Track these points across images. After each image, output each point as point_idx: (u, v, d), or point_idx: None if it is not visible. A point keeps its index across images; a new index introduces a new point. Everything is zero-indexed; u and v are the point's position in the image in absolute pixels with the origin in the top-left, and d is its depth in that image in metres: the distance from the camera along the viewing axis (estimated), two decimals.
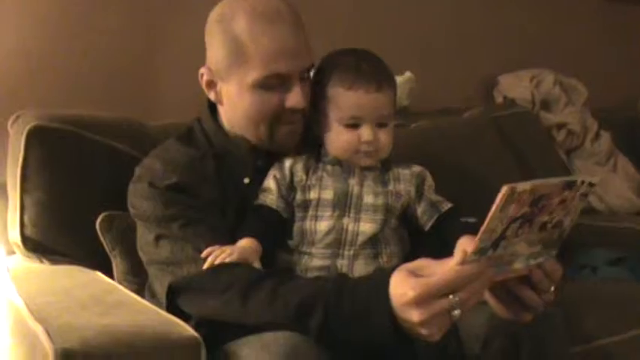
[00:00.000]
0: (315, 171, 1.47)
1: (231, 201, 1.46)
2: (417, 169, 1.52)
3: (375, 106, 1.43)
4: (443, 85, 2.84)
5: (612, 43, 3.46)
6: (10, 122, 1.80)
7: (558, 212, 1.15)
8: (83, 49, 2.19)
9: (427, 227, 1.48)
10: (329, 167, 1.47)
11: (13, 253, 1.80)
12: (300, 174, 1.46)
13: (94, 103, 2.09)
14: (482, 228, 1.08)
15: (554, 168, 2.77)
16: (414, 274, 1.15)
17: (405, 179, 1.49)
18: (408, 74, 2.62)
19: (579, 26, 3.39)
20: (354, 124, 1.43)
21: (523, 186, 1.06)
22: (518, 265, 1.19)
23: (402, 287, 1.13)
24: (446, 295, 1.11)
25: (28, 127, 1.72)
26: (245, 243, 1.36)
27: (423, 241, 1.50)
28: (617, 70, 3.42)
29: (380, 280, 1.18)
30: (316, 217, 1.43)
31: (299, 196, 1.45)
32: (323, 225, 1.42)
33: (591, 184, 1.16)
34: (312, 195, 1.44)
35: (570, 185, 1.13)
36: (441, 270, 1.13)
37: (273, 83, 1.45)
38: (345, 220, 1.42)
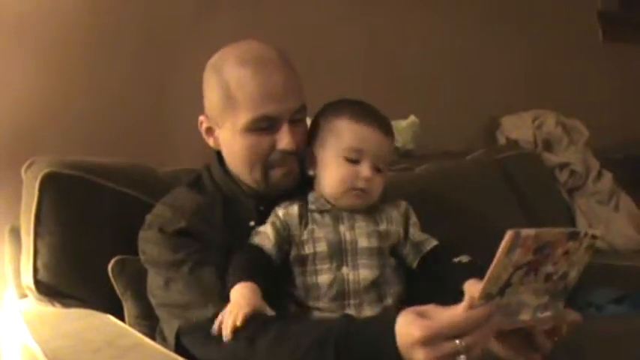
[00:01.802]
0: (306, 222, 1.46)
1: (238, 243, 1.47)
2: (402, 206, 1.53)
3: (380, 144, 1.45)
4: (446, 128, 2.87)
5: (612, 84, 3.49)
6: (23, 168, 1.82)
7: (562, 263, 1.16)
8: (95, 97, 2.23)
9: (414, 266, 1.49)
10: (317, 216, 1.46)
11: (26, 296, 1.81)
12: (294, 227, 1.46)
13: (106, 149, 2.13)
14: (489, 273, 1.10)
15: (557, 208, 2.80)
16: (422, 315, 1.16)
17: (396, 221, 1.50)
18: (412, 118, 2.65)
19: (580, 67, 3.43)
20: (354, 160, 1.44)
21: (527, 231, 1.08)
22: (526, 317, 1.20)
23: (408, 328, 1.14)
24: (452, 338, 1.11)
25: (41, 174, 1.75)
26: (244, 290, 1.32)
27: (417, 277, 1.51)
28: (618, 109, 3.45)
29: (387, 320, 1.19)
30: (316, 272, 1.43)
31: (294, 252, 1.45)
32: (324, 278, 1.42)
33: (594, 237, 1.18)
34: (307, 250, 1.44)
35: (574, 236, 1.15)
36: (448, 314, 1.13)
37: (263, 126, 1.47)
38: (345, 270, 1.42)
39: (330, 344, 1.22)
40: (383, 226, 1.47)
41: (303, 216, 1.46)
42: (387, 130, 1.47)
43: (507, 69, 3.23)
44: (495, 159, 2.74)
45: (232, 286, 1.33)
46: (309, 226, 1.45)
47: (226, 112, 1.49)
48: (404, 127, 2.61)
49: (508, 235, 1.07)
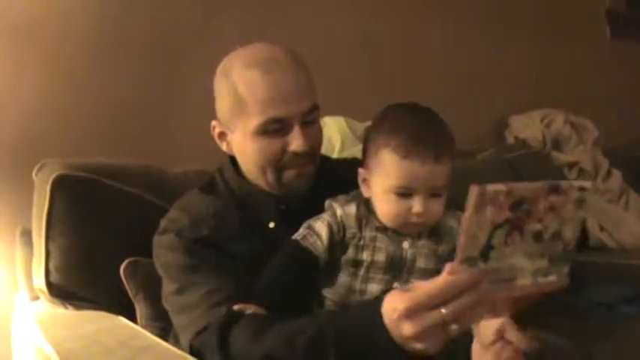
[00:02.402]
0: (368, 225, 1.38)
1: (259, 247, 1.45)
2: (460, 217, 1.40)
3: (430, 176, 1.31)
4: (455, 128, 2.81)
5: (621, 83, 3.49)
6: (34, 171, 1.83)
7: (550, 220, 1.10)
8: (105, 98, 2.23)
9: None
10: (380, 224, 1.37)
11: (38, 298, 1.82)
12: (352, 230, 1.38)
13: (116, 151, 2.14)
14: (462, 233, 1.05)
15: None
16: (407, 290, 1.13)
17: (453, 235, 1.38)
18: None
19: (588, 66, 3.43)
20: (405, 194, 1.32)
21: (496, 187, 1.02)
22: (524, 282, 1.13)
23: (392, 302, 1.12)
24: (437, 307, 1.08)
25: (52, 176, 1.76)
26: None
27: None
28: (626, 108, 3.45)
29: (374, 302, 1.17)
30: (367, 279, 1.37)
31: (351, 254, 1.37)
32: (374, 287, 1.36)
33: (582, 188, 1.10)
34: (365, 256, 1.37)
35: (555, 189, 1.08)
36: (429, 282, 1.10)
37: (273, 128, 1.45)
38: (396, 285, 1.35)
39: (327, 343, 1.20)
40: (442, 247, 1.38)
41: (362, 217, 1.39)
42: (438, 155, 1.30)
43: (515, 68, 3.23)
44: (504, 158, 2.75)
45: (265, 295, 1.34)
46: (370, 232, 1.38)
47: (236, 117, 1.48)
48: None
49: (472, 190, 1.01)
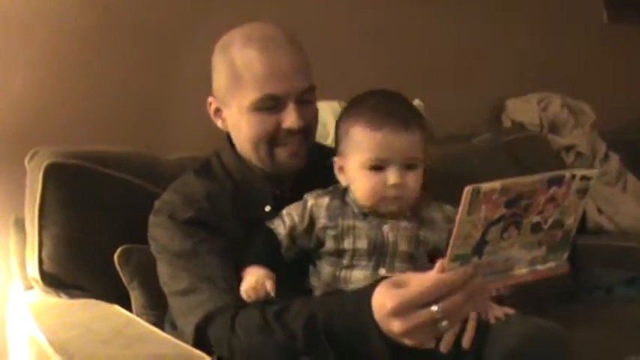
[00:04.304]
0: (343, 216, 1.38)
1: (252, 229, 1.44)
2: (448, 210, 1.40)
3: (403, 145, 1.33)
4: (452, 112, 2.86)
5: (618, 66, 3.48)
6: (27, 158, 1.82)
7: (550, 211, 1.09)
8: (97, 85, 2.22)
9: None
10: (357, 211, 1.38)
11: (31, 288, 1.81)
12: (322, 220, 1.38)
13: (108, 139, 2.11)
14: (453, 233, 1.04)
15: None
16: (397, 285, 1.13)
17: (439, 226, 1.39)
18: (417, 102, 2.64)
19: (585, 49, 3.42)
20: (380, 167, 1.33)
21: (489, 185, 1.01)
22: (521, 270, 1.13)
23: (382, 298, 1.13)
24: (428, 305, 1.08)
25: (45, 164, 1.75)
26: (261, 272, 1.33)
27: None
28: (624, 91, 3.44)
29: (364, 297, 1.17)
30: (352, 266, 1.36)
31: (331, 245, 1.37)
32: (359, 274, 1.35)
33: (586, 178, 1.09)
34: (347, 245, 1.36)
35: (557, 181, 1.07)
36: (419, 281, 1.10)
37: (268, 105, 1.46)
38: (382, 272, 1.34)
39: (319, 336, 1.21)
40: (423, 232, 1.38)
41: (337, 209, 1.39)
42: (409, 124, 1.34)
43: (512, 51, 3.21)
44: (501, 142, 2.74)
45: (246, 266, 1.34)
46: (350, 221, 1.37)
47: (233, 92, 1.49)
48: None
49: (465, 192, 1.00)
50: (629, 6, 3.72)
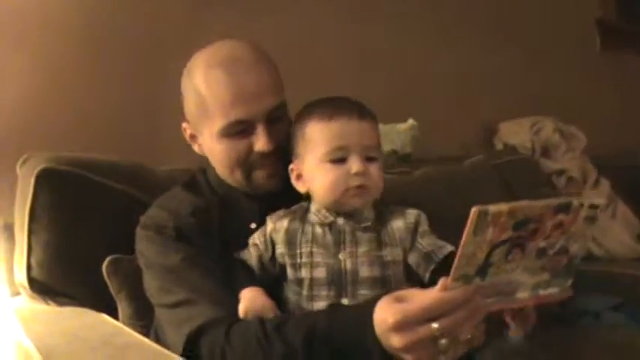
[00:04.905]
0: (301, 241, 1.36)
1: (238, 246, 1.44)
2: (411, 216, 1.38)
3: (360, 132, 1.34)
4: (444, 133, 2.87)
5: (611, 91, 3.50)
6: (19, 164, 1.81)
7: (556, 237, 1.09)
8: (91, 93, 2.22)
9: (426, 279, 1.33)
10: (318, 231, 1.35)
11: (19, 294, 1.80)
12: (279, 247, 1.37)
13: (102, 146, 2.10)
14: (458, 253, 1.04)
15: None
16: (399, 300, 1.13)
17: (400, 236, 1.36)
18: (410, 122, 2.65)
19: (578, 74, 3.44)
20: (340, 158, 1.33)
21: (497, 208, 1.00)
22: (523, 295, 1.13)
23: (383, 313, 1.12)
24: (428, 322, 1.08)
25: (37, 169, 1.74)
26: (253, 294, 1.32)
27: None
28: (616, 117, 3.45)
29: (365, 312, 1.16)
30: (312, 297, 1.34)
31: (290, 274, 1.35)
32: (320, 306, 1.32)
33: (594, 206, 1.09)
34: (304, 274, 1.34)
35: (565, 208, 1.06)
36: (421, 297, 1.10)
37: (237, 129, 1.44)
38: (344, 302, 1.32)
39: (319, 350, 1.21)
40: (387, 250, 1.35)
41: (296, 231, 1.37)
42: (362, 114, 1.35)
43: (506, 75, 3.23)
44: (493, 164, 2.73)
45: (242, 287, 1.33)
46: (308, 248, 1.35)
47: (202, 119, 1.47)
48: (403, 130, 2.61)
49: (472, 212, 0.99)
50: (622, 34, 3.75)
